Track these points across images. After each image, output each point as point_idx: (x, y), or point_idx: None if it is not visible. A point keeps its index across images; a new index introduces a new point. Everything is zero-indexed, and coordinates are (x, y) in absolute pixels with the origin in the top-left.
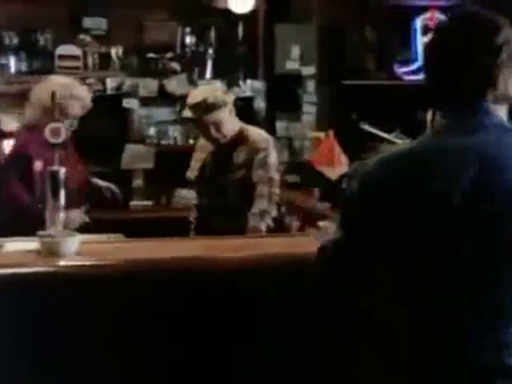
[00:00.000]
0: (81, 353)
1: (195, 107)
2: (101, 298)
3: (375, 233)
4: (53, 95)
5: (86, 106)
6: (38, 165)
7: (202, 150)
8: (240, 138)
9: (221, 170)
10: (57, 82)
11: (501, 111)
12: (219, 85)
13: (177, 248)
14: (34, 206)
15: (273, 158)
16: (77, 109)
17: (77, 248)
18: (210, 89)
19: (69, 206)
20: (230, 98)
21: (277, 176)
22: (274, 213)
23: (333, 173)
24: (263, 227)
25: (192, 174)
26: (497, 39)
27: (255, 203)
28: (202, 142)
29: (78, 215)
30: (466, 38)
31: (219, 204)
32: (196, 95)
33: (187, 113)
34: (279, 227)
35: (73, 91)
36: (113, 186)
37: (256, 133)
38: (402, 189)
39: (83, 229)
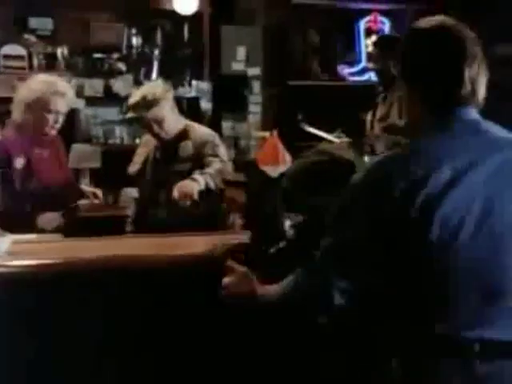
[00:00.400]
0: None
1: (135, 106)
2: (29, 298)
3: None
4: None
5: (69, 102)
6: (19, 161)
7: (146, 146)
8: (185, 134)
9: (164, 164)
10: (40, 80)
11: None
12: (160, 82)
13: (108, 247)
14: (7, 206)
15: (222, 149)
16: (60, 105)
17: (8, 248)
18: (149, 86)
19: (52, 206)
20: (171, 94)
21: (229, 163)
22: (214, 184)
23: (274, 171)
24: (199, 184)
25: (134, 168)
26: (471, 47)
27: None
28: (146, 137)
29: (53, 218)
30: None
31: (160, 199)
32: (136, 94)
33: (129, 113)
34: (211, 203)
35: (57, 88)
36: (98, 192)
37: (202, 129)
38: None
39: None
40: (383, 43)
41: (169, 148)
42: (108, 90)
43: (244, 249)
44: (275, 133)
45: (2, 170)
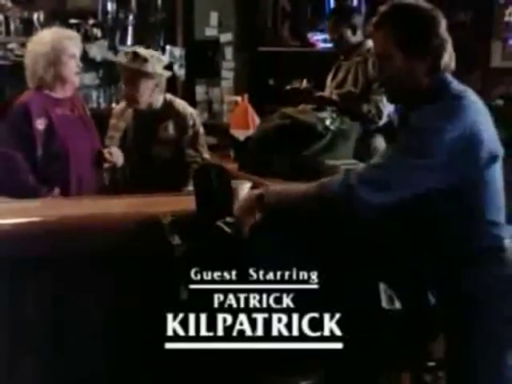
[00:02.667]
0: None
1: (137, 56)
2: None
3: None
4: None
5: (79, 45)
6: (39, 123)
7: (120, 118)
8: (167, 108)
9: (148, 140)
10: (47, 32)
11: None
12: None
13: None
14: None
15: (201, 129)
16: (75, 48)
17: None
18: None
19: (81, 172)
20: (165, 74)
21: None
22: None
23: (243, 135)
24: None
25: (111, 143)
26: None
27: None
28: (118, 108)
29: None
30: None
31: (145, 175)
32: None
33: (122, 58)
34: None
35: (66, 33)
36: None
37: (182, 103)
38: None
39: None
40: (338, 13)
41: (151, 123)
42: (84, 55)
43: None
44: (246, 97)
45: (22, 134)
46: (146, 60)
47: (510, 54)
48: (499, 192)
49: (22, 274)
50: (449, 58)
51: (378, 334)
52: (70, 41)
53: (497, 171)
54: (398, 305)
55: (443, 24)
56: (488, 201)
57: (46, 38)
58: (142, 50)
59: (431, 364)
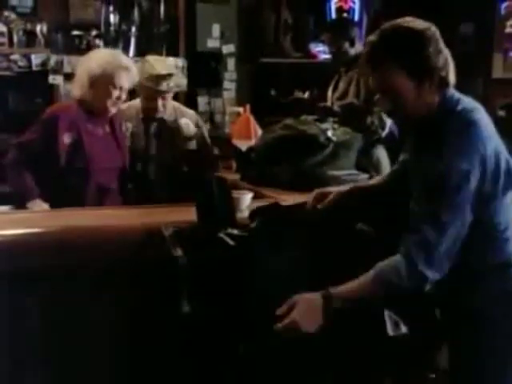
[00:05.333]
0: None
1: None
2: None
3: None
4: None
5: (133, 78)
6: (67, 136)
7: (126, 120)
8: (174, 109)
9: (171, 138)
10: (105, 54)
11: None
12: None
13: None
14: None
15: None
16: (124, 80)
17: None
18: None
19: (103, 187)
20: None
21: None
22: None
23: (245, 145)
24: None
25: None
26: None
27: None
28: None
29: (38, 205)
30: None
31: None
32: (162, 66)
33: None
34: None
35: (122, 62)
36: None
37: (188, 109)
38: None
39: None
40: (336, 26)
41: (168, 126)
42: None
43: (191, 229)
44: (248, 108)
45: (47, 144)
46: (170, 75)
47: None
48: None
49: (21, 286)
50: (452, 73)
51: (381, 354)
52: (124, 72)
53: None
54: (404, 329)
55: (440, 39)
56: (504, 218)
57: (102, 59)
58: (166, 67)
59: (433, 376)
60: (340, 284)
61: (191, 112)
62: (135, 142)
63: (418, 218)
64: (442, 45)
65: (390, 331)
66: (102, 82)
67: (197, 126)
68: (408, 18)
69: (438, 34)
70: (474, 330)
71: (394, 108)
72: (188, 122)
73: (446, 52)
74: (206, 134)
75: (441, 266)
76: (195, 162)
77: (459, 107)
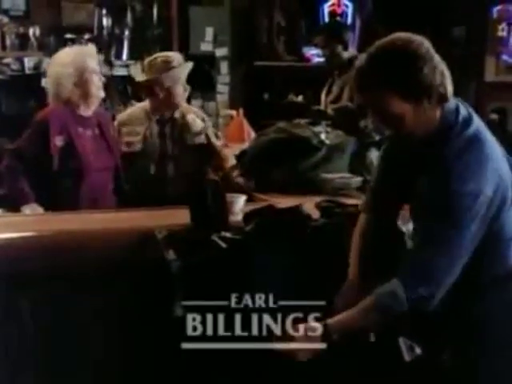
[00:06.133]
0: None
1: (151, 66)
2: None
3: None
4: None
5: (97, 56)
6: (58, 139)
7: (135, 123)
8: (184, 109)
9: (178, 139)
10: (67, 52)
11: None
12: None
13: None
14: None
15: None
16: (95, 64)
17: None
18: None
19: (98, 188)
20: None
21: None
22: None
23: (237, 149)
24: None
25: (131, 148)
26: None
27: None
28: (126, 115)
29: (34, 209)
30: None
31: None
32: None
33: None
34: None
35: (85, 50)
36: None
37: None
38: None
39: None
40: (328, 29)
41: (177, 122)
42: None
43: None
44: (241, 111)
45: (39, 148)
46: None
47: (504, 68)
48: None
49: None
50: (450, 85)
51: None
52: (91, 57)
53: None
54: (418, 351)
55: (434, 53)
56: (510, 228)
57: (67, 58)
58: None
59: None
60: (335, 288)
61: (195, 108)
62: (148, 145)
63: (417, 238)
64: (436, 59)
65: (407, 357)
66: (82, 77)
67: (203, 120)
68: (398, 35)
69: (431, 48)
70: (481, 340)
71: (391, 129)
72: (194, 117)
73: (441, 65)
74: (211, 129)
75: (439, 285)
76: (205, 156)
77: (460, 119)
